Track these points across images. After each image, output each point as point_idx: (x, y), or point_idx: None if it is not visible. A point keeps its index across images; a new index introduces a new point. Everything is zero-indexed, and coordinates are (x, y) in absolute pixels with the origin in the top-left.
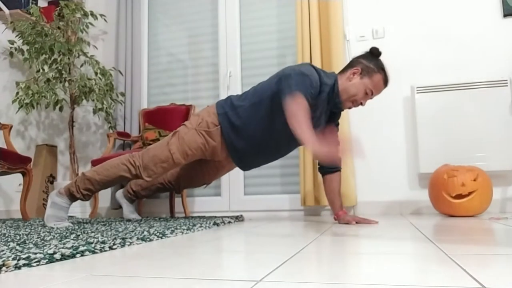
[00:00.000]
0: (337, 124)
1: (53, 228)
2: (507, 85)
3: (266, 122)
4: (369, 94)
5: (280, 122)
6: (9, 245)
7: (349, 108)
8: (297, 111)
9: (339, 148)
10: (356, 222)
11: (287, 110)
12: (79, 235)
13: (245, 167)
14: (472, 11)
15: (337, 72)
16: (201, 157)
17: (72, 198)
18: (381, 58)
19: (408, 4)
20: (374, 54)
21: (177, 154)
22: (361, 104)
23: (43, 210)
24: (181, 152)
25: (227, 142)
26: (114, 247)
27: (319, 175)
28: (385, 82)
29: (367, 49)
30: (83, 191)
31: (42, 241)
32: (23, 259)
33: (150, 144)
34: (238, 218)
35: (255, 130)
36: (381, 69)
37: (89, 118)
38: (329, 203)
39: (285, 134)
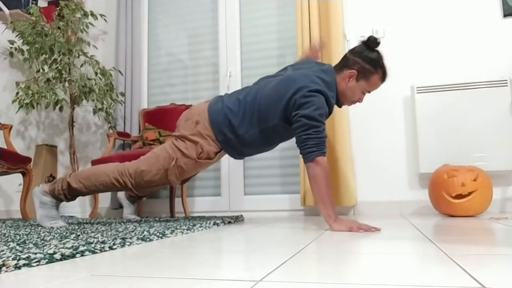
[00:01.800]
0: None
1: (52, 228)
2: (507, 85)
3: (271, 144)
4: (366, 93)
5: (286, 137)
6: (9, 245)
7: (348, 105)
8: (321, 180)
9: (352, 228)
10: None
11: (311, 175)
12: (79, 235)
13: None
14: (472, 11)
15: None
16: None
17: (59, 200)
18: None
19: (408, 4)
20: (371, 47)
21: (175, 182)
22: (359, 101)
23: None
24: (179, 178)
25: (229, 154)
26: (114, 247)
27: None
28: (383, 79)
29: (365, 38)
30: (70, 197)
31: (42, 241)
32: (23, 259)
33: (150, 144)
34: (238, 218)
35: (258, 150)
36: (379, 66)
37: (89, 118)
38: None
39: (284, 140)
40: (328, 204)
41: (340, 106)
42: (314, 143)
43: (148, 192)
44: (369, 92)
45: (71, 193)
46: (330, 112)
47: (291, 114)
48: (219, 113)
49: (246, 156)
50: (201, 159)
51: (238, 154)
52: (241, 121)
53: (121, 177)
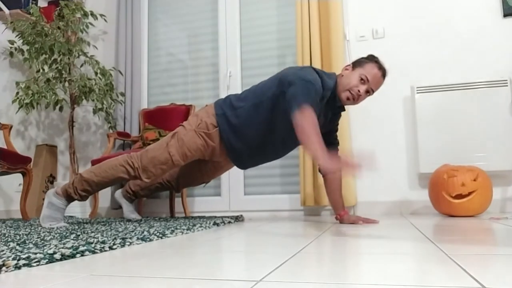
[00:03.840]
0: (336, 129)
1: (52, 228)
2: (507, 85)
3: (266, 124)
4: (365, 80)
5: (280, 124)
6: (9, 245)
7: (348, 99)
8: (307, 125)
9: (346, 163)
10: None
11: (296, 124)
12: (79, 235)
13: (243, 166)
14: (472, 11)
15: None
16: (200, 158)
17: (70, 199)
18: (381, 58)
19: (408, 4)
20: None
21: (176, 156)
22: (359, 93)
23: None
24: (180, 154)
25: (225, 143)
26: (114, 247)
27: (320, 175)
28: (380, 68)
29: (367, 49)
30: (80, 192)
31: (42, 241)
32: (23, 259)
33: (150, 144)
34: (238, 218)
35: (254, 131)
36: (374, 60)
37: (89, 118)
38: (331, 203)
39: (284, 136)
40: (317, 145)
41: (342, 107)
42: (302, 92)
43: (152, 182)
44: (367, 81)
45: (81, 186)
46: (323, 96)
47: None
48: (223, 98)
49: (239, 143)
50: (200, 129)
51: (232, 137)
52: (238, 97)
53: (130, 159)
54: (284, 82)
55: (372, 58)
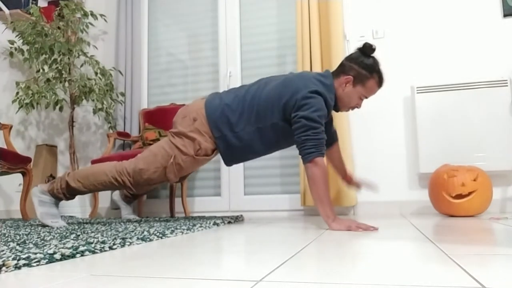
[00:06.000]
0: (331, 118)
1: (52, 228)
2: (507, 85)
3: (268, 144)
4: (363, 98)
5: (283, 143)
6: (9, 245)
7: (346, 111)
8: (319, 180)
9: (351, 227)
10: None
11: (308, 173)
12: (79, 235)
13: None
14: (472, 11)
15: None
16: None
17: (58, 199)
18: (381, 58)
19: (408, 4)
20: (366, 53)
21: (174, 179)
22: (357, 107)
23: None
24: (178, 176)
25: (223, 157)
26: (114, 247)
27: None
28: (379, 84)
29: (361, 45)
30: (70, 196)
31: (42, 241)
32: (23, 259)
33: (150, 144)
34: (238, 218)
35: (253, 150)
36: (375, 71)
37: (89, 118)
38: (336, 171)
39: (283, 146)
40: (326, 204)
41: (337, 111)
42: (313, 144)
43: (146, 190)
44: (366, 97)
45: (69, 192)
46: (328, 113)
47: (291, 115)
48: (217, 109)
49: (238, 160)
50: (199, 155)
51: (230, 155)
52: (239, 119)
53: (120, 176)
54: (289, 108)
55: (373, 69)
